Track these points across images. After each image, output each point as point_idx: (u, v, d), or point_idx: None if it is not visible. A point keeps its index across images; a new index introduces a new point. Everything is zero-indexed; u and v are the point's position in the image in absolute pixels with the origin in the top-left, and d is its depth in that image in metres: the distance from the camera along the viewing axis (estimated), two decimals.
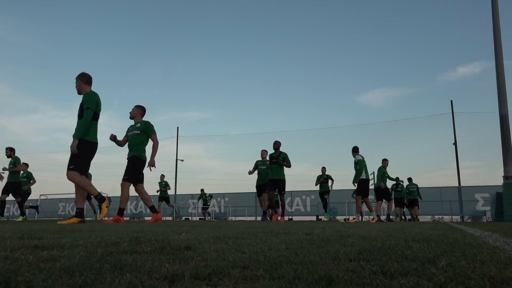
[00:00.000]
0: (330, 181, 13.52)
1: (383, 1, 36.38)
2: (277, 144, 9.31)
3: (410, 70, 35.44)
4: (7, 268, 0.99)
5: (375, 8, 35.95)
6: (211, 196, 17.62)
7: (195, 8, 39.39)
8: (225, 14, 38.95)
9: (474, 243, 1.94)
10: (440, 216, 17.46)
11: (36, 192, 12.21)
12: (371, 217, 9.92)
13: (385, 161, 11.63)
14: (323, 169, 13.62)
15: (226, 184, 27.36)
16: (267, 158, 9.60)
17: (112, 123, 38.10)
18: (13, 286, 0.79)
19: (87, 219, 7.53)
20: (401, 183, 14.30)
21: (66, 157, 5.63)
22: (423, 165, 19.45)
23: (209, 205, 17.59)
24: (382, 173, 11.42)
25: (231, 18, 39.51)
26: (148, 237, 2.08)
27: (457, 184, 16.48)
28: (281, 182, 9.12)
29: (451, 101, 17.37)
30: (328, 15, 37.20)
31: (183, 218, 18.35)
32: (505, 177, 10.62)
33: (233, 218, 17.75)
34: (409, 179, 14.79)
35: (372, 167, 12.69)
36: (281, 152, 9.22)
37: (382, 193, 11.16)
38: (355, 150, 9.97)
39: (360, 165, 9.51)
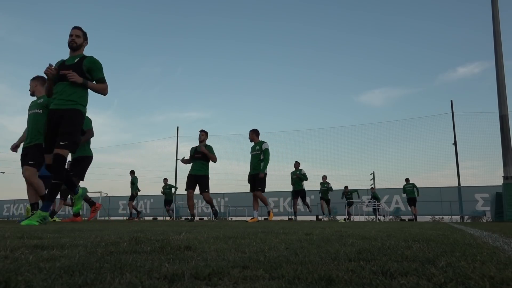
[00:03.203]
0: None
1: (383, 1, 36.39)
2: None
3: (410, 70, 35.50)
4: (7, 268, 0.99)
5: (375, 8, 35.99)
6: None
7: (195, 8, 39.44)
8: (225, 14, 38.99)
9: (474, 243, 1.94)
10: (440, 216, 17.49)
11: None
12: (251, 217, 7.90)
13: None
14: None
15: (226, 184, 27.40)
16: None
17: (112, 122, 38.14)
18: (13, 285, 0.79)
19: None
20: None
21: None
22: (423, 165, 19.51)
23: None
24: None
25: (231, 18, 39.55)
26: (148, 237, 2.09)
27: (457, 184, 16.48)
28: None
29: (451, 101, 17.40)
30: (329, 15, 37.23)
31: (183, 218, 18.35)
32: (505, 177, 10.63)
33: (233, 218, 17.75)
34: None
35: (372, 168, 12.86)
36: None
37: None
38: (258, 135, 8.18)
39: (267, 155, 7.87)
